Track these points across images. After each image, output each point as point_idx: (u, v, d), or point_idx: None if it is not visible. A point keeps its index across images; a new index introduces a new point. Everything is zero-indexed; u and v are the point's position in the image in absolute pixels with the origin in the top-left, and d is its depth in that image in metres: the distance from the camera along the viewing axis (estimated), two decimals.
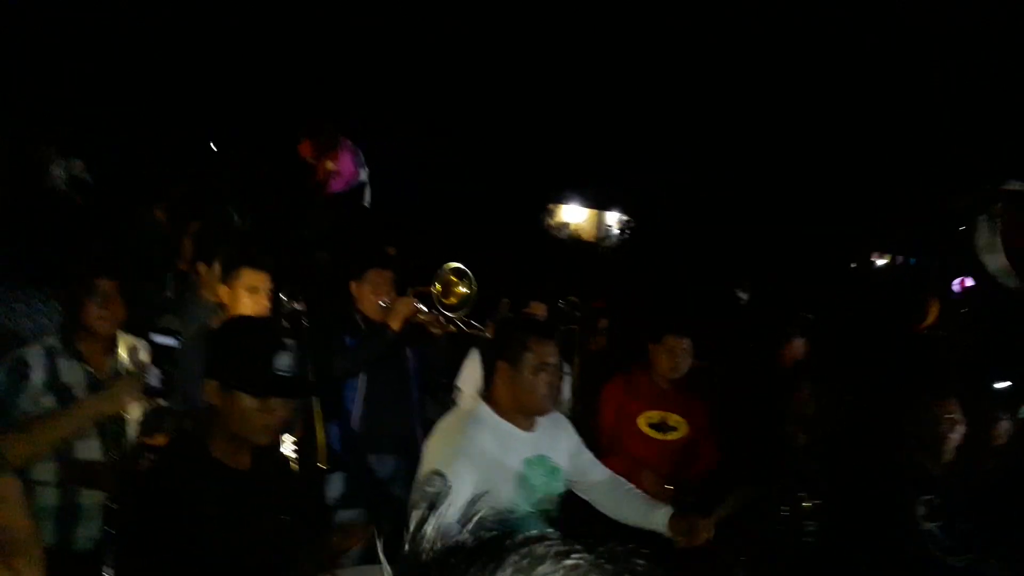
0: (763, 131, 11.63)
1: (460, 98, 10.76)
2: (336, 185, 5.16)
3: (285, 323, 3.12)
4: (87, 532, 2.40)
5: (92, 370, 2.44)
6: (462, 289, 3.40)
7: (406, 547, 2.13)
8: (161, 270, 4.19)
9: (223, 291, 3.08)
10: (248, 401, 1.81)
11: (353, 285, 3.55)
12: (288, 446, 2.95)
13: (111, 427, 2.35)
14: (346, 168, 5.13)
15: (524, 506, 2.45)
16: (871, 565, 3.13)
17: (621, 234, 16.17)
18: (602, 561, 0.75)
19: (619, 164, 12.98)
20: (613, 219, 17.08)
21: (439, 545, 1.93)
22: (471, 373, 3.53)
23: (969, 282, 8.94)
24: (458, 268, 3.39)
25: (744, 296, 9.60)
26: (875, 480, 3.25)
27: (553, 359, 2.47)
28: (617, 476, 2.80)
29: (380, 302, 3.43)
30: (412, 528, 2.27)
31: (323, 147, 5.10)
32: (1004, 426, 3.40)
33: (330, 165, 5.05)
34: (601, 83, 11.88)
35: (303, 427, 3.03)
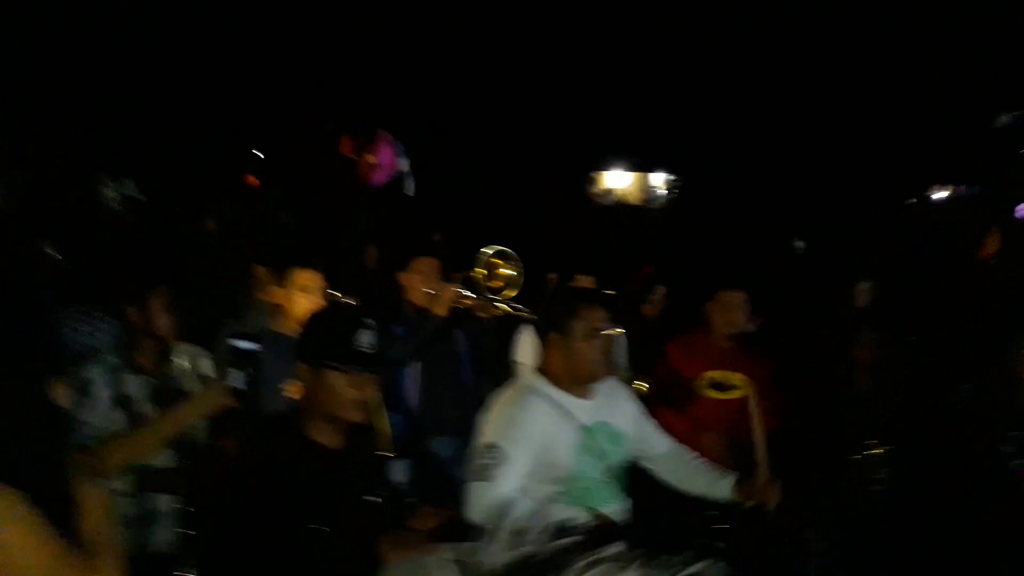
0: (813, 71, 11.26)
1: (497, 73, 10.68)
2: (378, 178, 5.20)
3: None
4: (164, 536, 2.50)
5: (154, 381, 2.54)
6: (506, 271, 3.39)
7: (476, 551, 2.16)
8: (220, 278, 4.31)
9: (277, 292, 3.15)
10: (336, 378, 1.96)
11: (401, 275, 3.60)
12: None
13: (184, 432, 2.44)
14: (386, 160, 5.17)
15: (590, 474, 2.46)
16: (958, 506, 3.06)
17: (668, 194, 15.93)
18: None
19: (660, 122, 12.75)
20: (659, 180, 16.82)
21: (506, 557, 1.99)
22: (528, 346, 3.54)
23: None
24: (501, 250, 3.39)
25: (800, 245, 9.39)
26: (956, 420, 3.16)
27: (603, 325, 2.48)
28: (680, 445, 2.78)
29: (427, 290, 3.47)
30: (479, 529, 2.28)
31: (362, 141, 5.15)
32: None
33: (370, 159, 5.09)
34: (639, 42, 11.65)
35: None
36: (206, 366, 2.72)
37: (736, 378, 3.87)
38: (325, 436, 2.02)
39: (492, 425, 2.44)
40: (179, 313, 2.58)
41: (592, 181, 14.95)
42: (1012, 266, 5.85)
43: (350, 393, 1.98)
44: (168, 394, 2.54)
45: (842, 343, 3.91)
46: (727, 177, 12.18)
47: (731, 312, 3.81)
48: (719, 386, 3.91)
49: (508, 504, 2.27)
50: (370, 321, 2.03)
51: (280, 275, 3.15)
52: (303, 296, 3.08)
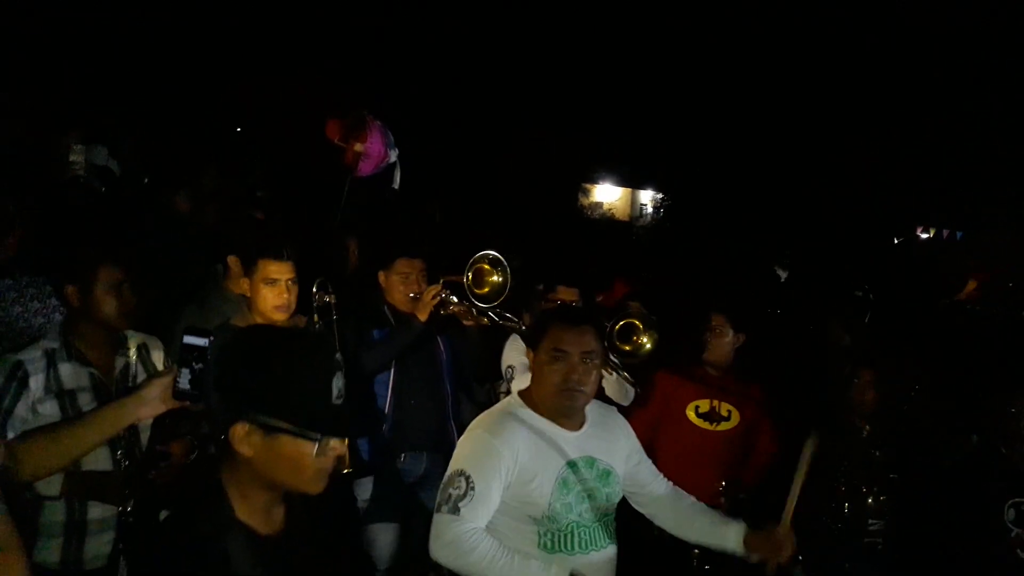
0: (802, 103, 11.20)
1: (491, 78, 10.52)
2: (365, 168, 4.93)
3: (316, 318, 2.95)
4: (98, 549, 2.22)
5: (96, 372, 2.26)
6: (495, 279, 3.17)
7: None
8: (185, 261, 4.04)
9: (244, 283, 2.93)
10: (300, 446, 1.40)
11: (381, 275, 3.36)
12: None
13: (123, 433, 2.17)
14: (375, 149, 4.89)
15: (568, 515, 2.23)
16: (948, 571, 2.87)
17: (655, 212, 15.88)
18: None
19: (652, 141, 12.67)
20: (647, 197, 16.79)
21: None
22: (517, 354, 3.33)
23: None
24: (492, 256, 3.16)
25: (783, 273, 9.31)
26: (955, 478, 2.98)
27: (572, 348, 2.23)
28: (678, 488, 2.55)
29: (410, 294, 3.23)
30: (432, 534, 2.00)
31: (351, 127, 4.87)
32: None
33: (359, 147, 4.82)
34: (630, 60, 11.53)
35: None
36: (159, 359, 2.45)
37: (727, 408, 3.72)
38: (261, 517, 1.46)
39: (465, 451, 2.22)
40: (131, 297, 2.31)
41: (582, 193, 14.82)
42: (997, 317, 5.75)
43: (316, 464, 1.42)
44: (113, 388, 2.27)
45: (836, 382, 3.74)
46: (713, 199, 12.11)
47: (716, 337, 3.66)
48: (708, 416, 3.75)
49: (473, 543, 2.06)
50: (338, 358, 1.48)
51: (248, 265, 2.91)
52: (269, 289, 2.85)
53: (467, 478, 2.12)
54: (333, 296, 2.96)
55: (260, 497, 1.45)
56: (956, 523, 2.91)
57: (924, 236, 14.71)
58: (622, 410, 3.39)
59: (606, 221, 14.15)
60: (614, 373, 3.26)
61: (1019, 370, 3.40)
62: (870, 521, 3.31)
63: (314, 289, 2.96)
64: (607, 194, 15.94)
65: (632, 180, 15.87)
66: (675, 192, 14.40)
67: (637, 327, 3.19)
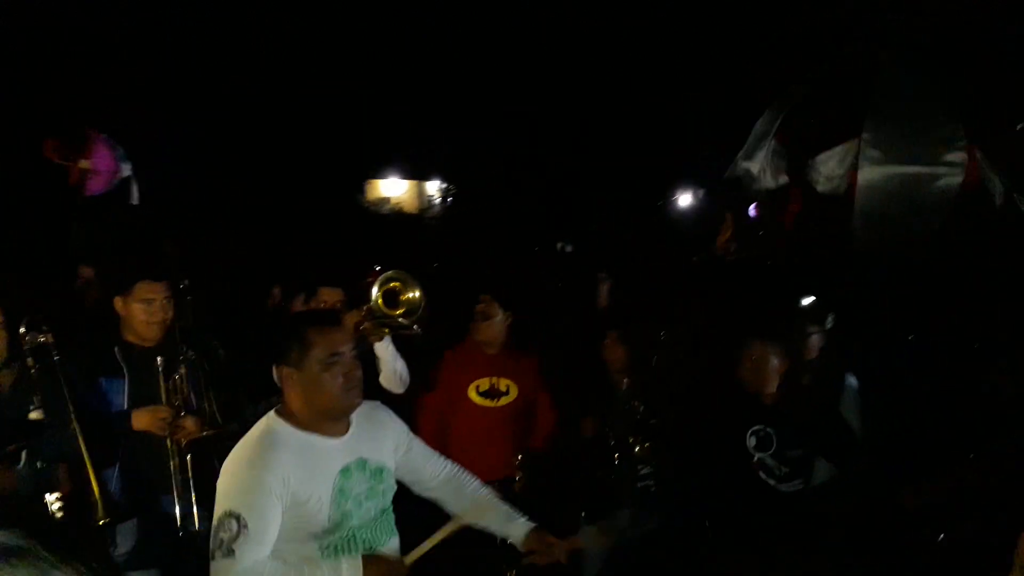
0: (567, 86, 11.75)
1: (258, 71, 9.96)
2: (95, 186, 4.45)
3: (31, 362, 2.61)
4: None
5: None
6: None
7: None
8: None
9: None
10: None
11: (119, 301, 3.03)
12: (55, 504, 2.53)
13: None
14: (104, 164, 4.43)
15: (349, 522, 2.15)
16: (709, 502, 3.15)
17: (443, 202, 16.01)
18: None
19: (432, 131, 12.71)
20: (434, 188, 16.87)
21: None
22: None
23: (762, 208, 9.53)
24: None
25: (568, 247, 9.74)
26: (704, 416, 3.27)
27: (344, 347, 2.17)
28: (459, 469, 2.52)
29: (153, 323, 2.99)
30: None
31: (72, 144, 4.37)
32: (814, 341, 3.53)
33: (84, 164, 4.35)
34: (405, 54, 11.45)
35: (73, 480, 2.60)
36: None
37: (505, 383, 3.85)
38: None
39: (229, 489, 2.06)
40: None
41: (365, 190, 14.60)
42: (750, 265, 6.33)
43: None
44: None
45: (589, 344, 4.00)
46: (496, 184, 12.45)
47: (488, 318, 3.82)
48: (488, 394, 3.88)
49: (233, 540, 1.95)
50: None
51: None
52: None
53: (237, 518, 1.97)
54: (50, 335, 2.62)
55: None
56: (708, 454, 3.20)
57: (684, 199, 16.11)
58: (405, 400, 3.40)
59: (394, 216, 14.08)
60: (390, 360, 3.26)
61: (763, 315, 3.77)
62: (640, 467, 3.57)
63: (22, 330, 2.61)
64: (393, 188, 15.84)
65: (416, 172, 15.88)
66: (460, 181, 14.63)
67: (398, 288, 3.16)
